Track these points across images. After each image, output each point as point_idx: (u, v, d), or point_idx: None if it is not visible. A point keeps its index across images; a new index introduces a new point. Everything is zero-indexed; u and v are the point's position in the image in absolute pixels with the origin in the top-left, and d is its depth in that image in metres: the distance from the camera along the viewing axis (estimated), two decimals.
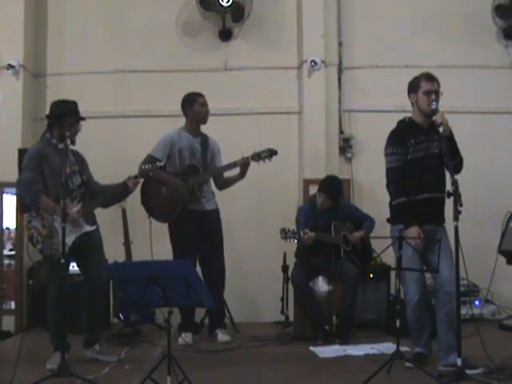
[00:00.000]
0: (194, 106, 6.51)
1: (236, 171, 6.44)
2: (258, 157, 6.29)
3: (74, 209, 5.37)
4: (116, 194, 5.72)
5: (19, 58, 7.62)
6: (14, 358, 4.77)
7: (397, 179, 5.16)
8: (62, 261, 4.88)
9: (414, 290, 5.11)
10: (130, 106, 7.92)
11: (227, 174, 6.56)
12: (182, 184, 6.27)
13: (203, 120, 6.54)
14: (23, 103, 7.65)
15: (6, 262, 7.27)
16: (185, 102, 6.56)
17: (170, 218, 6.37)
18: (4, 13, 7.65)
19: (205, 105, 6.52)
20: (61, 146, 5.40)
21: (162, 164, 6.23)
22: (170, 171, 6.44)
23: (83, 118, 5.56)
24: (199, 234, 6.35)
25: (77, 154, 5.71)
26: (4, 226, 7.35)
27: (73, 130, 5.46)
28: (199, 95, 6.54)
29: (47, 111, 7.83)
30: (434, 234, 5.08)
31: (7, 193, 7.30)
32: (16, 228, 7.23)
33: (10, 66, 7.55)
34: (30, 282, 7.17)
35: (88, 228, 5.49)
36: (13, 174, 6.78)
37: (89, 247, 5.50)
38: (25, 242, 7.10)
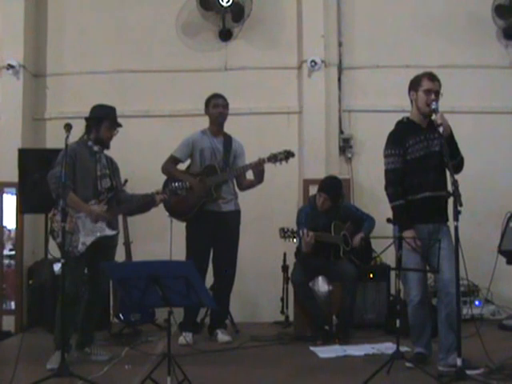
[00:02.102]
0: (208, 108, 6.56)
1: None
2: (274, 158, 6.27)
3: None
4: (141, 205, 5.82)
5: (19, 58, 7.62)
6: (13, 357, 4.78)
7: (395, 181, 5.15)
8: (63, 261, 4.89)
9: (416, 290, 5.10)
10: (130, 106, 7.90)
11: (249, 175, 6.57)
12: (200, 185, 6.29)
13: (216, 120, 6.55)
14: (23, 103, 7.65)
15: (6, 262, 7.27)
16: (204, 104, 6.61)
17: (187, 218, 6.39)
18: (4, 13, 7.67)
19: (217, 105, 6.51)
20: (96, 148, 5.58)
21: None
22: (192, 172, 6.48)
23: (120, 125, 5.71)
24: (214, 235, 6.36)
25: (110, 160, 5.79)
26: (4, 226, 7.34)
27: (108, 134, 5.63)
28: (214, 97, 6.57)
29: (47, 111, 7.92)
30: (437, 233, 5.08)
31: (7, 193, 7.30)
32: (16, 228, 7.24)
33: (10, 66, 7.55)
34: (30, 282, 7.17)
35: (109, 232, 5.53)
36: (13, 174, 6.79)
37: (104, 251, 5.52)
38: (25, 242, 7.15)
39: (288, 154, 6.30)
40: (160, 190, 5.82)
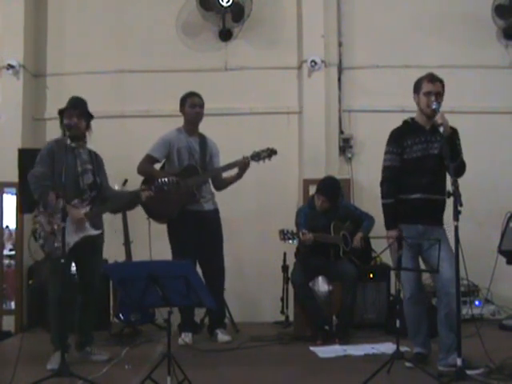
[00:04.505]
0: (184, 107, 6.50)
1: (234, 171, 6.42)
2: (257, 157, 6.27)
3: (82, 210, 5.38)
4: (126, 202, 5.78)
5: (19, 58, 7.62)
6: (14, 358, 4.78)
7: (390, 179, 5.20)
8: (62, 261, 4.87)
9: (406, 287, 5.15)
10: (130, 106, 7.92)
11: (225, 174, 6.55)
12: (184, 185, 6.26)
13: (193, 120, 6.49)
14: (23, 103, 7.65)
15: (6, 261, 7.27)
16: (180, 102, 6.55)
17: (169, 220, 6.37)
18: (4, 13, 7.67)
19: (194, 105, 6.45)
20: (73, 144, 5.34)
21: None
22: (168, 171, 6.42)
23: (67, 108, 5.49)
24: (198, 235, 6.33)
25: (94, 155, 5.71)
26: (4, 226, 7.33)
27: (66, 122, 5.37)
28: (190, 95, 6.50)
29: (47, 111, 7.93)
30: (429, 235, 5.08)
31: (7, 193, 7.29)
32: (16, 228, 7.23)
33: (10, 66, 7.56)
34: (30, 281, 7.18)
35: (92, 232, 5.45)
36: (13, 174, 6.79)
37: (90, 250, 5.48)
38: (25, 242, 7.15)
39: (271, 152, 6.29)
40: (146, 187, 5.73)
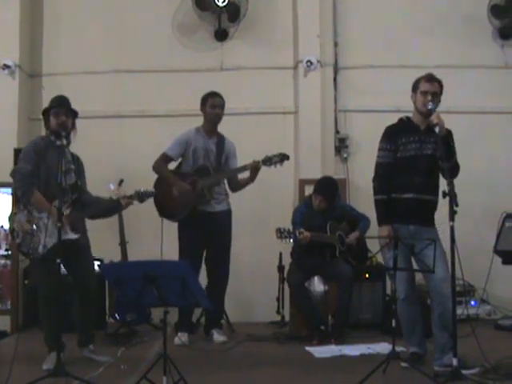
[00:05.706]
0: (205, 107, 6.48)
1: (247, 174, 6.40)
2: (269, 161, 6.22)
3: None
4: (107, 209, 5.69)
5: (15, 58, 7.63)
6: (9, 358, 4.76)
7: (382, 175, 5.22)
8: (58, 260, 4.83)
9: (400, 288, 5.16)
10: (126, 106, 7.91)
11: (240, 176, 6.53)
12: (189, 189, 6.25)
13: (212, 121, 6.48)
14: (19, 103, 7.66)
15: (2, 262, 7.24)
16: (201, 101, 6.52)
17: (179, 219, 6.37)
18: None
19: (215, 106, 6.42)
20: (58, 142, 5.26)
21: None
22: (183, 171, 6.44)
23: (54, 106, 5.46)
24: (207, 235, 6.32)
25: (76, 158, 5.65)
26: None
27: (54, 121, 5.39)
28: (212, 96, 6.47)
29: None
30: (420, 236, 5.08)
31: (3, 192, 7.27)
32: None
33: (6, 66, 7.57)
34: (26, 281, 7.17)
35: (71, 236, 5.29)
36: (8, 174, 6.78)
37: (74, 252, 5.31)
38: None
39: (283, 157, 6.26)
40: (127, 195, 5.65)
